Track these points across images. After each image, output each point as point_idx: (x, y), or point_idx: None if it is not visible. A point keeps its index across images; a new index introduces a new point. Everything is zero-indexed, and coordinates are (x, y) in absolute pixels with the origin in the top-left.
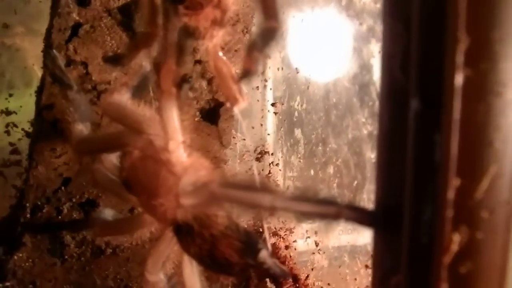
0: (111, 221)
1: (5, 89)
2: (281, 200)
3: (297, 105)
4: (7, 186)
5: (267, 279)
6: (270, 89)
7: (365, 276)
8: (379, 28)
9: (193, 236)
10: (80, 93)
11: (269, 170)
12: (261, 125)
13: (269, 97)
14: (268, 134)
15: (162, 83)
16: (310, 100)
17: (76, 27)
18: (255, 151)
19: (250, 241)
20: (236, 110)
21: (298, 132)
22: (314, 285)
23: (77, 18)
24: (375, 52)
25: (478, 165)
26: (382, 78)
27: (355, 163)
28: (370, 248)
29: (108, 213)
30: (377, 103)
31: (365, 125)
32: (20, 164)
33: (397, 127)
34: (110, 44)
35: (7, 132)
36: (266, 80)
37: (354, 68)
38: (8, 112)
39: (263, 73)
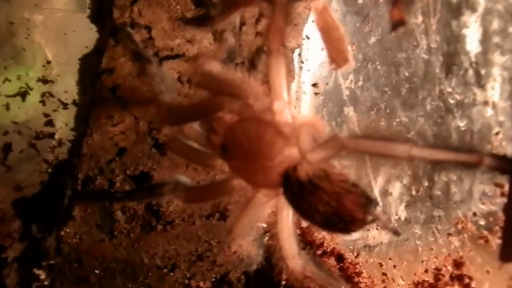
0: (196, 186)
1: (41, 55)
2: (419, 149)
3: (349, 83)
4: (39, 160)
5: None
6: (308, 70)
7: (445, 245)
8: None
9: (318, 194)
10: (160, 67)
11: None
12: (295, 107)
13: (306, 79)
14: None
15: (271, 42)
16: (369, 77)
17: None
18: None
19: (370, 196)
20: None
21: (349, 110)
22: (367, 262)
23: None
24: (468, 23)
25: None
26: None
27: (435, 134)
28: (458, 214)
29: (185, 180)
30: (469, 72)
31: (452, 94)
32: (54, 137)
33: None
34: (175, 9)
35: (42, 102)
36: (302, 62)
37: (443, 38)
38: (45, 81)
39: (299, 54)
